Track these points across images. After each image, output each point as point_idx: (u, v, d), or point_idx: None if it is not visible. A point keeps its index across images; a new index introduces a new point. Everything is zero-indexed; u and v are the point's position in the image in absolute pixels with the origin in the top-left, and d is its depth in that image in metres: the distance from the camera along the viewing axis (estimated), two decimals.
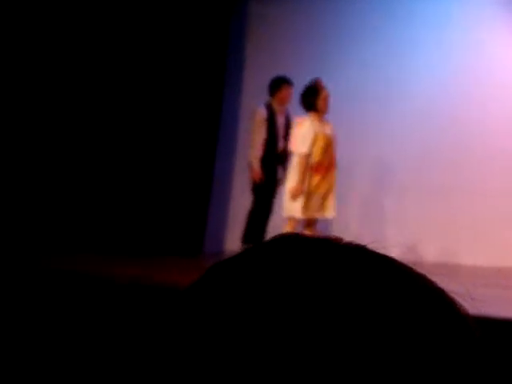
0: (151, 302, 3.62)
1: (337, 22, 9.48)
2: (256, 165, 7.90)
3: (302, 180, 7.10)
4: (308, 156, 7.16)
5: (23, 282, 4.37)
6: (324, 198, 7.23)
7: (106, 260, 7.07)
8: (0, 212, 8.06)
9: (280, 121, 8.01)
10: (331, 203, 7.29)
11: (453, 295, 0.59)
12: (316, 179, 7.18)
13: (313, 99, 7.20)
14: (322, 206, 7.26)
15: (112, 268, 5.91)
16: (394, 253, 0.60)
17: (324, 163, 7.19)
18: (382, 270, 0.56)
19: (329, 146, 7.22)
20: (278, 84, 8.02)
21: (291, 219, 7.36)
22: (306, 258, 0.56)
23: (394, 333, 0.52)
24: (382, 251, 0.59)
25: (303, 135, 7.13)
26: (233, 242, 9.04)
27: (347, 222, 8.99)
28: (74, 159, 8.71)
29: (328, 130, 7.25)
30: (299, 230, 7.19)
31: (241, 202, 8.90)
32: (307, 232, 6.94)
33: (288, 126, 7.82)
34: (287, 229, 7.08)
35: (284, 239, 0.59)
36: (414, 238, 9.06)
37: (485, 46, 9.01)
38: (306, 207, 7.18)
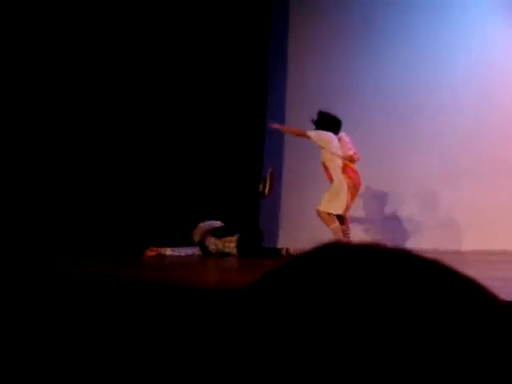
0: (205, 302, 3.66)
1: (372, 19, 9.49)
2: None
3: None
4: None
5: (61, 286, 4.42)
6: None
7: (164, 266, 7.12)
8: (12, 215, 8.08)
9: None
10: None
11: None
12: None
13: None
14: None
15: (172, 272, 5.97)
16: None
17: None
18: (427, 274, 0.59)
19: None
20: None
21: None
22: (354, 265, 0.58)
23: (441, 334, 0.54)
24: (425, 253, 0.61)
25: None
26: (285, 241, 9.08)
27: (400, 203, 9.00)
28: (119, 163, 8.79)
29: None
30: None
31: (291, 201, 8.92)
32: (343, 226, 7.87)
33: None
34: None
35: (330, 248, 0.62)
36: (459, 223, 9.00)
37: None
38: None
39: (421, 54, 9.27)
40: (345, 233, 7.98)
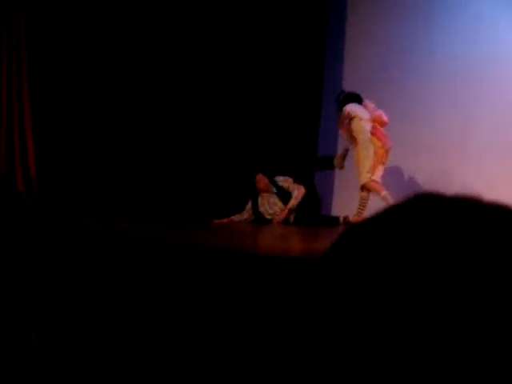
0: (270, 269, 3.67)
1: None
2: None
3: None
4: None
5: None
6: None
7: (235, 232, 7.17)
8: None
9: None
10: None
11: None
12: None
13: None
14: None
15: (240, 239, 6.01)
16: None
17: None
18: None
19: None
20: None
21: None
22: (449, 217, 0.56)
23: None
24: None
25: None
26: (339, 208, 9.05)
27: None
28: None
29: None
30: None
31: (346, 170, 8.89)
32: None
33: None
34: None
35: (423, 199, 0.59)
36: None
37: None
38: None
39: (482, 40, 9.03)
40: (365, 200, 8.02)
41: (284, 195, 8.38)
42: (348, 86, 9.45)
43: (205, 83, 9.01)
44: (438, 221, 0.56)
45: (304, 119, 9.46)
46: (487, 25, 8.99)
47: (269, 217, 8.36)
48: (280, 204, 8.33)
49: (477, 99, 9.02)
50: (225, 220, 8.12)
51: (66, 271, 4.14)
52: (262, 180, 8.42)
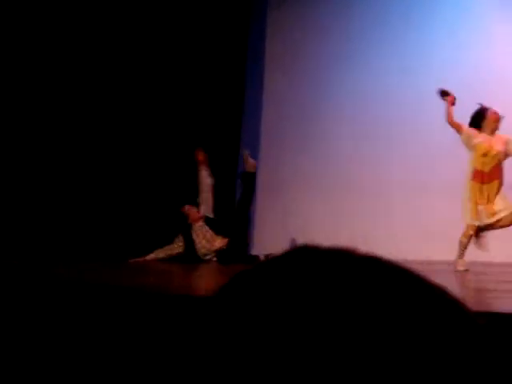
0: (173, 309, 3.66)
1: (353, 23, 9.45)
2: None
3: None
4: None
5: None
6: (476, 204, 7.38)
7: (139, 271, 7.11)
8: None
9: None
10: (484, 209, 7.35)
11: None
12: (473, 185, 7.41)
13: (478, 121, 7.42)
14: (475, 212, 7.39)
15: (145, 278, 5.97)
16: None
17: (483, 172, 7.36)
18: (393, 279, 0.58)
19: (491, 158, 7.33)
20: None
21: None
22: (320, 269, 0.58)
23: (404, 339, 0.54)
24: (396, 260, 0.61)
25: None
26: (260, 246, 9.07)
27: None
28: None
29: (497, 144, 7.35)
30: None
31: (266, 204, 8.92)
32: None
33: None
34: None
35: (301, 251, 0.62)
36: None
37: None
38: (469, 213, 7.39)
39: (403, 64, 9.22)
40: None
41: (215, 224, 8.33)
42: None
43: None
44: (309, 273, 0.58)
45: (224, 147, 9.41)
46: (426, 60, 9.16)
47: (204, 250, 8.26)
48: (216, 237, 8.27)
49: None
50: (141, 259, 8.04)
51: None
52: (191, 210, 8.29)
